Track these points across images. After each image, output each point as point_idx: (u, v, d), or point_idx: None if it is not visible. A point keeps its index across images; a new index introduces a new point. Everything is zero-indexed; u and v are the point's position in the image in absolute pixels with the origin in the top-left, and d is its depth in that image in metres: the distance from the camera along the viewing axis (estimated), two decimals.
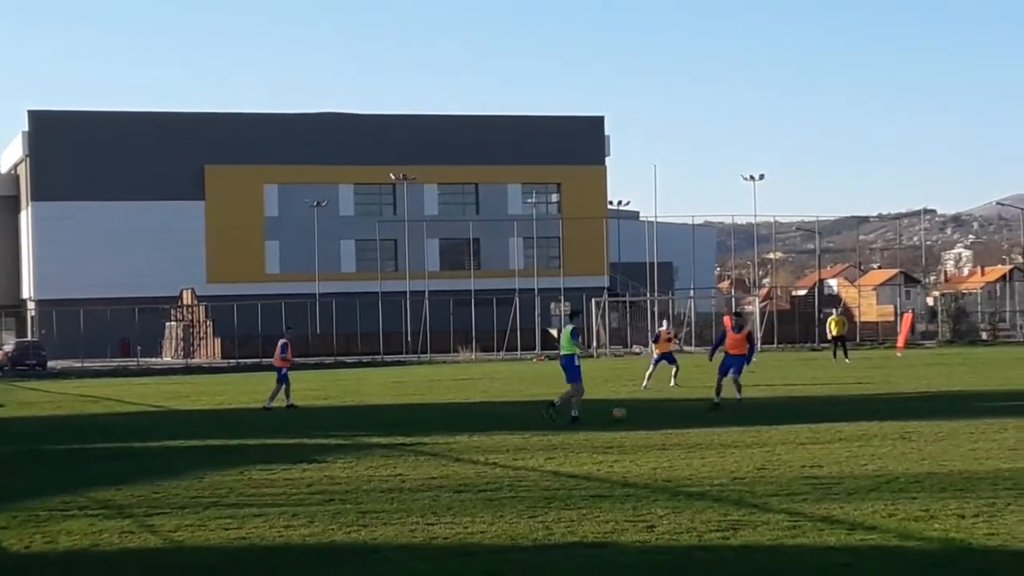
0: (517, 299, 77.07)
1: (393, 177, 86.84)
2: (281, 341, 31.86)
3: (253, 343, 72.94)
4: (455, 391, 37.54)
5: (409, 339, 76.03)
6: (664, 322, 39.34)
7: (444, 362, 67.04)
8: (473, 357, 70.34)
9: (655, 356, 35.89)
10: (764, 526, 11.58)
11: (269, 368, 62.77)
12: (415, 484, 15.23)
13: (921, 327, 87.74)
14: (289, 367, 31.45)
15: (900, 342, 60.90)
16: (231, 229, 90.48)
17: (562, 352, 24.85)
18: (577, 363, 24.25)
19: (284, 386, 31.19)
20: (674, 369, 35.02)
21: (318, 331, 79.60)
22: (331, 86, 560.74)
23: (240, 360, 69.54)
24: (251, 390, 40.40)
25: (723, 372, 26.81)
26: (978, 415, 22.74)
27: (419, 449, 19.46)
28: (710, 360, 28.20)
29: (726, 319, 29.13)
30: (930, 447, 17.75)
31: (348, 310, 75.53)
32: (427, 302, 76.39)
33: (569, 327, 24.78)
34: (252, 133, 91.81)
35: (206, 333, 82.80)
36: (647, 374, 35.00)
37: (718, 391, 26.47)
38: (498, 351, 73.80)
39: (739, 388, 26.90)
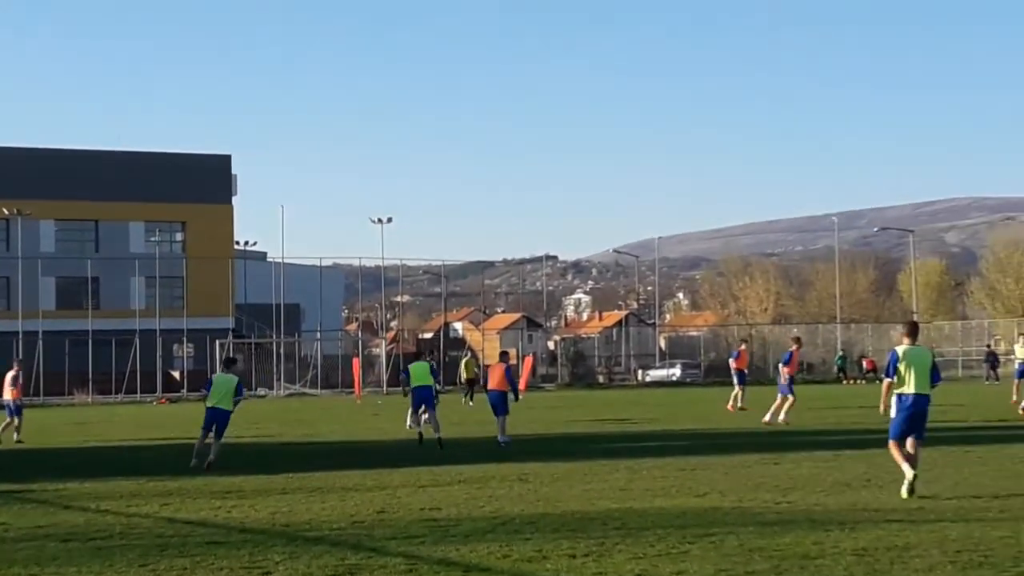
0: (138, 340, 74.96)
1: (6, 212, 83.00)
2: (12, 373, 32.46)
3: None
4: (69, 435, 36.03)
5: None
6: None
7: (58, 405, 64.46)
8: (89, 400, 67.95)
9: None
10: (381, 570, 11.51)
11: None
12: (19, 533, 14.46)
13: (542, 370, 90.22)
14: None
15: (522, 385, 62.39)
16: None
17: None
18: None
19: (19, 419, 32.14)
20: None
21: None
22: None
23: None
24: None
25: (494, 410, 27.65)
26: (592, 457, 23.47)
27: (25, 496, 18.54)
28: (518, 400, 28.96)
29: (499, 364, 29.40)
30: (546, 488, 18.15)
31: None
32: (41, 342, 73.31)
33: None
34: None
35: None
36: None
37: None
38: (117, 394, 71.59)
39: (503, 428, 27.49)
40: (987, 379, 67.63)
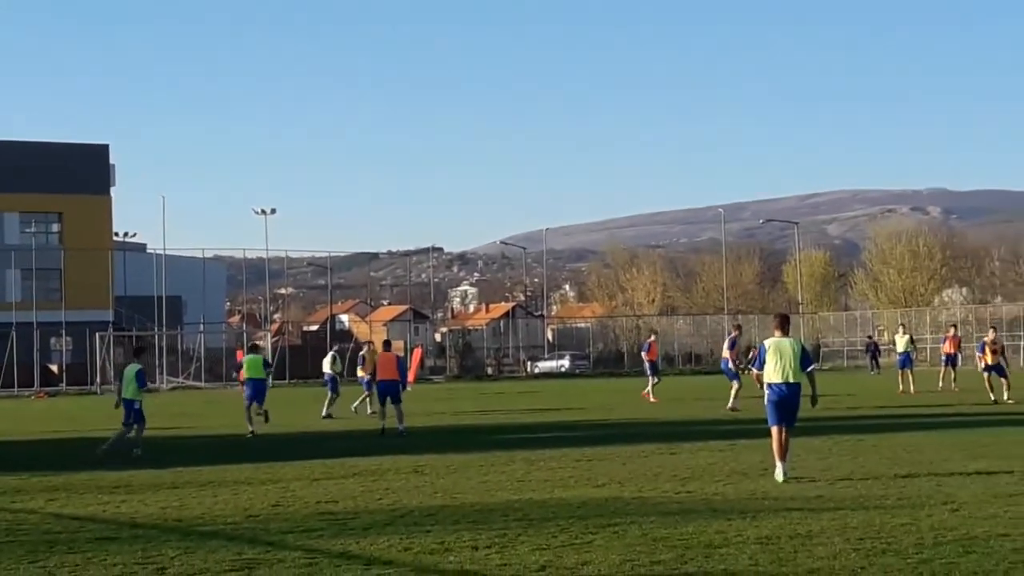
0: (14, 333, 73.24)
1: None
2: None
3: None
4: None
5: None
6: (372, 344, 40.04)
7: None
8: None
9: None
10: (280, 564, 11.21)
11: None
12: None
13: (430, 362, 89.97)
14: None
15: (410, 376, 62.09)
16: None
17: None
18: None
19: None
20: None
21: None
22: None
23: None
24: None
25: (382, 399, 27.71)
26: (488, 448, 23.27)
27: None
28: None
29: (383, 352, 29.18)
30: (443, 480, 17.94)
31: None
32: None
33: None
34: None
35: None
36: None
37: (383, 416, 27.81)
38: None
39: (400, 417, 27.41)
40: (871, 369, 68.74)
